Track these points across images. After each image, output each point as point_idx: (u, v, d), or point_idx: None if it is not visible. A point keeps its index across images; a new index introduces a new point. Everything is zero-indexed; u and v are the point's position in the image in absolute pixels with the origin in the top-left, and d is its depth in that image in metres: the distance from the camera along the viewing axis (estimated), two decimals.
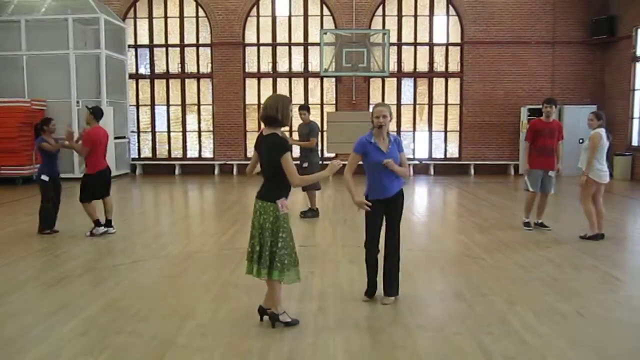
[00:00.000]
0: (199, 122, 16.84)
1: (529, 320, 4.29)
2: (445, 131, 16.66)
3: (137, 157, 16.88)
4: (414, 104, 16.61)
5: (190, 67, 16.67)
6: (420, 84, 16.56)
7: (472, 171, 16.12)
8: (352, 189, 4.60)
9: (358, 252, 4.95)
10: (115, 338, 3.98)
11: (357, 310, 4.53)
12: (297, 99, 15.82)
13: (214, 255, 6.54)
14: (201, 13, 16.39)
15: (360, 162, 4.66)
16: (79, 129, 12.07)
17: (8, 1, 14.54)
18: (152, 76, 16.73)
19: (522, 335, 4.01)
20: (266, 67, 16.52)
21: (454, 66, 16.41)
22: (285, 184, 4.02)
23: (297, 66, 16.49)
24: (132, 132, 16.63)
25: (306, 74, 16.46)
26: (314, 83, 16.53)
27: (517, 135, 15.80)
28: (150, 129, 16.94)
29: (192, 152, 16.99)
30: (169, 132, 16.94)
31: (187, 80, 16.68)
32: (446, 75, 16.45)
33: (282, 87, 16.44)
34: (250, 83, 16.59)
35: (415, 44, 16.40)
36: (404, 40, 16.34)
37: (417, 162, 16.22)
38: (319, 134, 9.40)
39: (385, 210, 4.64)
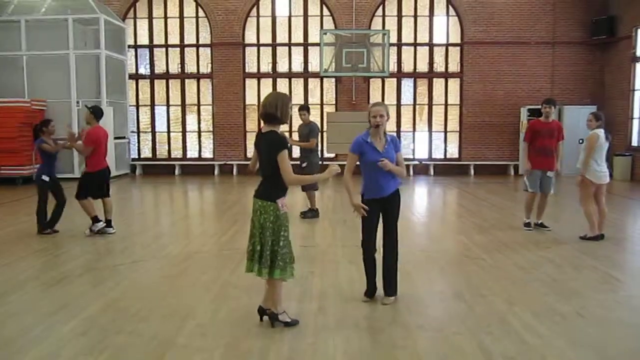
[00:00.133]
0: (199, 123, 16.83)
1: (528, 321, 4.29)
2: (445, 131, 16.66)
3: (137, 157, 16.88)
4: (414, 105, 16.61)
5: (190, 68, 16.66)
6: (420, 84, 16.56)
7: (472, 171, 16.11)
8: (351, 191, 4.61)
9: (357, 252, 4.95)
10: (115, 338, 3.98)
11: (357, 310, 4.53)
12: (297, 99, 15.80)
13: (213, 256, 6.54)
14: (201, 13, 16.38)
15: (358, 162, 4.67)
16: (79, 129, 12.06)
17: (8, 1, 14.54)
18: (152, 76, 16.73)
19: (522, 335, 4.01)
20: (266, 67, 16.52)
21: (454, 66, 16.41)
22: (283, 182, 4.01)
23: (297, 66, 16.49)
24: (132, 132, 16.63)
25: (306, 74, 16.45)
26: (313, 83, 16.53)
27: (517, 136, 15.79)
28: (150, 129, 16.94)
29: (192, 153, 16.98)
30: (168, 132, 16.94)
31: (187, 81, 16.68)
32: (446, 75, 16.45)
33: (282, 87, 16.42)
34: (250, 83, 16.59)
35: (415, 45, 16.40)
36: (403, 40, 16.34)
37: (417, 162, 16.23)
38: (319, 134, 9.39)
39: (381, 209, 4.63)
